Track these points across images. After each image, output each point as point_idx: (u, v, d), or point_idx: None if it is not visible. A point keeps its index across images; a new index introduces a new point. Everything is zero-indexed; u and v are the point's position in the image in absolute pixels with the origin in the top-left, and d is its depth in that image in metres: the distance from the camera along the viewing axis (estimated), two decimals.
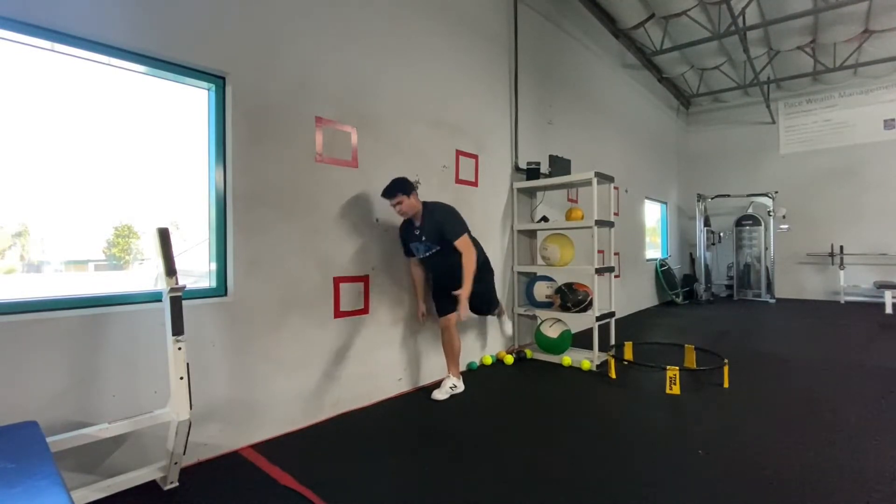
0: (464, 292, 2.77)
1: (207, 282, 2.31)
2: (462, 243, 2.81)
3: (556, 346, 3.89)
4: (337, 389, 2.74)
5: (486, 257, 3.20)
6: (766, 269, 8.09)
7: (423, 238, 2.84)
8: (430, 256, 2.91)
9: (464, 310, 2.77)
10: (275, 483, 1.94)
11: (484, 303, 3.19)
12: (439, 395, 2.97)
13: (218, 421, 2.20)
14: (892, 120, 7.69)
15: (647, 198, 7.57)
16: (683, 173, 9.34)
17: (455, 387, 3.06)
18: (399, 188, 2.73)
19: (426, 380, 3.35)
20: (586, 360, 3.68)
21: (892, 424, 2.50)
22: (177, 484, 1.91)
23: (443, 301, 3.03)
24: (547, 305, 4.05)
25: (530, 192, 4.49)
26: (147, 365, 1.97)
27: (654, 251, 8.18)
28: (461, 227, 2.87)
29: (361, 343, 2.89)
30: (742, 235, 8.43)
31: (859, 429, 2.44)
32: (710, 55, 6.96)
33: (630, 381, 3.35)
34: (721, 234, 8.91)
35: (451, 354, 3.09)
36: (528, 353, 4.04)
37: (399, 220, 3.02)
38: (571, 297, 3.83)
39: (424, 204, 2.86)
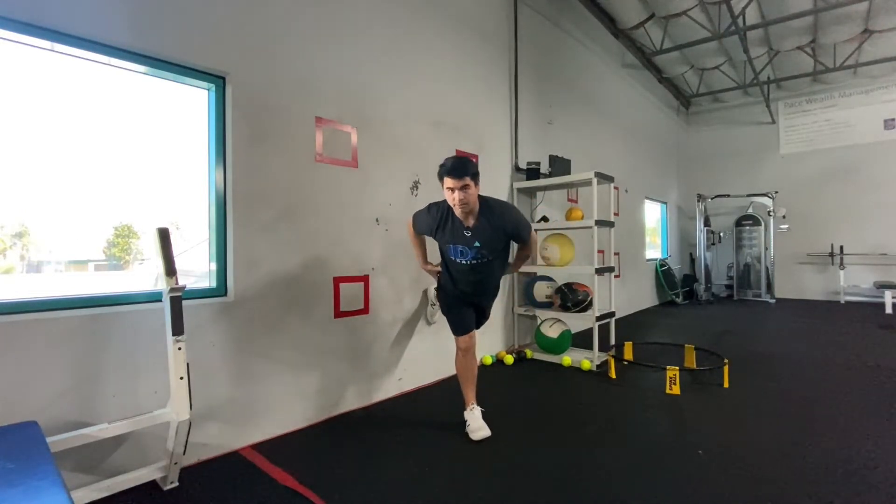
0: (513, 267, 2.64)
1: (207, 282, 2.31)
2: (531, 244, 2.45)
3: (556, 346, 3.89)
4: (337, 389, 2.74)
5: None
6: (766, 269, 8.09)
7: (477, 243, 2.24)
8: (475, 265, 2.32)
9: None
10: (275, 483, 1.94)
11: (485, 316, 2.70)
12: (484, 432, 2.36)
13: (218, 421, 2.20)
14: (892, 120, 7.69)
15: (647, 198, 7.57)
16: (683, 173, 9.34)
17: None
18: (473, 169, 2.12)
19: (426, 380, 3.35)
20: (586, 360, 3.68)
21: (892, 424, 2.50)
22: (177, 484, 1.91)
23: (472, 314, 2.54)
24: (547, 305, 4.05)
25: (530, 192, 4.49)
26: (147, 365, 1.97)
27: (654, 251, 8.18)
28: (529, 224, 2.40)
29: (361, 343, 2.89)
30: (742, 235, 8.43)
31: (859, 429, 2.44)
32: (710, 55, 6.97)
33: (630, 381, 3.35)
34: (721, 234, 8.91)
35: (474, 378, 2.54)
36: (528, 353, 4.04)
37: (414, 205, 2.72)
38: (571, 297, 3.83)
39: (484, 201, 2.25)
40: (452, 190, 2.11)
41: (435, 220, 2.30)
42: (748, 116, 8.97)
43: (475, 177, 2.13)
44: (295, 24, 2.56)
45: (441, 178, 2.16)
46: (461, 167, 2.09)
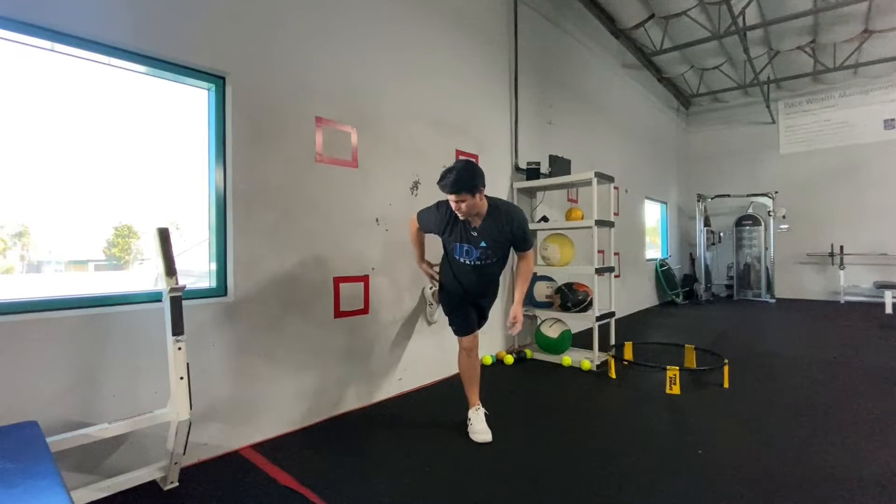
0: (518, 305, 2.35)
1: (207, 282, 2.31)
2: (531, 254, 2.42)
3: (556, 346, 3.89)
4: (337, 389, 2.74)
5: None
6: (766, 269, 8.09)
7: (483, 244, 2.27)
8: (479, 266, 2.34)
9: (519, 317, 2.35)
10: (275, 483, 1.94)
11: (485, 317, 2.68)
12: (486, 436, 2.34)
13: (218, 421, 2.20)
14: (892, 120, 7.69)
15: (647, 198, 7.57)
16: (683, 173, 9.34)
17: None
18: (470, 184, 2.09)
19: (427, 380, 3.35)
20: (586, 360, 3.68)
21: (892, 424, 2.50)
22: (177, 484, 1.91)
23: (474, 314, 2.54)
24: (547, 305, 4.05)
25: (530, 192, 4.49)
26: (147, 365, 1.97)
27: (654, 251, 8.18)
28: (532, 235, 2.40)
29: (361, 343, 2.89)
30: (742, 235, 8.44)
31: (859, 429, 2.44)
32: (710, 55, 6.97)
33: (630, 381, 3.35)
34: (721, 234, 8.92)
35: (478, 378, 2.53)
36: (528, 353, 4.04)
37: (414, 205, 2.74)
38: (571, 297, 3.83)
39: (492, 202, 2.27)
40: (451, 201, 2.16)
41: (443, 219, 2.31)
42: (748, 116, 8.97)
43: (473, 189, 2.11)
44: (295, 24, 2.56)
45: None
46: (457, 184, 2.07)
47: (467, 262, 2.34)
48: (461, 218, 2.22)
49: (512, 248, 2.39)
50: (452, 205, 2.16)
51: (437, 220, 2.35)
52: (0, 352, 1.64)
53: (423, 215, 2.47)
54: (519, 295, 2.39)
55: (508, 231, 2.26)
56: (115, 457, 1.88)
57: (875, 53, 6.69)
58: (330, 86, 2.73)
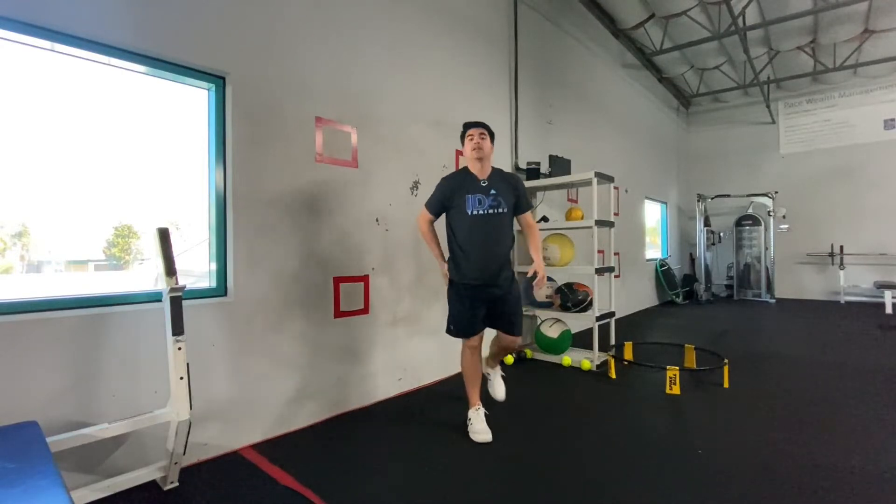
0: (539, 262, 2.44)
1: (207, 282, 2.31)
2: (531, 217, 2.55)
3: (556, 346, 3.89)
4: (337, 389, 2.74)
5: None
6: (766, 269, 8.09)
7: (493, 191, 2.39)
8: (492, 216, 2.38)
9: (543, 279, 2.44)
10: (275, 483, 1.94)
11: (517, 324, 2.51)
12: (486, 436, 2.35)
13: (218, 421, 2.20)
14: (892, 120, 7.69)
15: (647, 198, 7.57)
16: (683, 173, 9.34)
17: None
18: (488, 126, 2.46)
19: (426, 380, 3.35)
20: (586, 360, 3.68)
21: (892, 424, 2.50)
22: (177, 484, 1.91)
23: (481, 314, 2.45)
24: (547, 305, 4.05)
25: (530, 192, 4.48)
26: (147, 365, 1.97)
27: (654, 251, 8.18)
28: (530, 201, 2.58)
29: (361, 343, 2.89)
30: (742, 235, 8.43)
31: (859, 429, 2.44)
32: (710, 55, 6.96)
33: (630, 381, 3.35)
34: (721, 234, 8.92)
35: (480, 377, 2.57)
36: (528, 353, 4.04)
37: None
38: (571, 297, 3.83)
39: (495, 167, 2.53)
40: (472, 137, 2.41)
41: (452, 182, 2.45)
42: (748, 116, 8.97)
43: (492, 133, 2.47)
44: (295, 24, 2.56)
45: (463, 137, 2.47)
46: (480, 122, 2.47)
47: (480, 211, 2.38)
48: (476, 156, 2.40)
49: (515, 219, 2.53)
50: (475, 140, 2.40)
51: (445, 187, 2.45)
52: (0, 352, 1.64)
53: (431, 200, 2.48)
54: (536, 253, 2.50)
55: (512, 185, 2.47)
56: (115, 457, 1.88)
57: (875, 53, 6.69)
58: (330, 86, 2.73)
